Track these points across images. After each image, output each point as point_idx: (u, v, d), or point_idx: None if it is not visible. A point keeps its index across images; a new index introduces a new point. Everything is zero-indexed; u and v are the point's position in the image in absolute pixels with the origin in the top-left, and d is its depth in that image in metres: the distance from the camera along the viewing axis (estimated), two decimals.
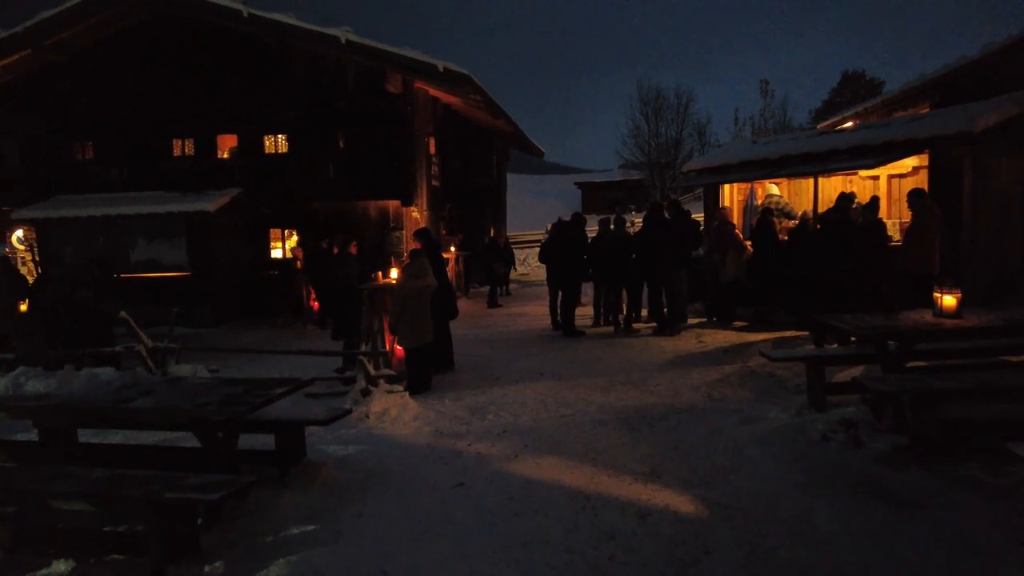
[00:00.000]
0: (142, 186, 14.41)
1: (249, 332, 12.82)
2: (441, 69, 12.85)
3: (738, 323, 9.72)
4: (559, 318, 9.97)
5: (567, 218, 10.29)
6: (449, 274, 16.01)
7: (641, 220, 10.50)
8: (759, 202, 11.97)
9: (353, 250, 7.93)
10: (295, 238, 15.13)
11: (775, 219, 9.75)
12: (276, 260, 15.29)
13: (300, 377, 6.33)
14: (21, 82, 14.89)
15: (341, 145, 14.22)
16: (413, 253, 7.02)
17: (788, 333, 8.81)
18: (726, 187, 11.17)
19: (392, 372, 6.11)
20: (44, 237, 14.27)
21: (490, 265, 15.29)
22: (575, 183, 45.78)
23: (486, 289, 17.14)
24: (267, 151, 15.06)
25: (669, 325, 9.13)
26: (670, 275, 9.02)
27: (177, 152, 15.33)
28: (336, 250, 8.44)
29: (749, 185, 11.88)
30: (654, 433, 5.08)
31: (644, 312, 10.38)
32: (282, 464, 4.29)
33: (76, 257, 8.63)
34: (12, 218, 14.42)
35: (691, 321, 9.87)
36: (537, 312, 12.72)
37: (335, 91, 14.14)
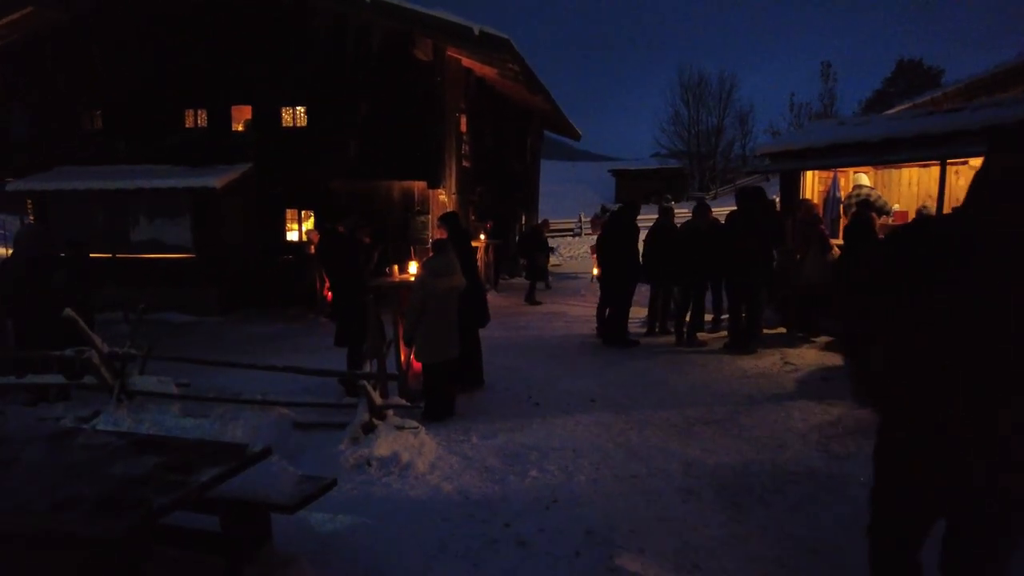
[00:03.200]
0: (152, 159, 13.19)
1: (257, 322, 11.55)
2: (477, 32, 11.32)
3: (822, 338, 8.09)
4: (605, 324, 8.47)
5: (613, 207, 8.73)
6: (480, 266, 14.72)
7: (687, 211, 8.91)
8: (842, 194, 10.27)
9: (366, 238, 6.48)
10: (312, 220, 13.80)
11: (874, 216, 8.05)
12: (291, 243, 13.97)
13: (280, 403, 4.98)
14: (27, 45, 13.74)
15: (363, 119, 12.78)
16: (437, 244, 5.55)
17: None
18: (808, 175, 9.49)
19: (403, 402, 4.67)
20: (42, 211, 13.15)
21: (531, 256, 13.73)
22: (609, 170, 43.96)
23: (516, 282, 15.66)
24: (284, 124, 13.70)
25: (746, 340, 7.53)
26: (755, 277, 7.40)
27: (189, 124, 14.05)
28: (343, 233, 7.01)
29: (831, 174, 10.17)
30: (771, 516, 3.56)
31: (708, 317, 8.81)
32: (233, 556, 2.88)
33: (35, 234, 7.20)
34: (7, 190, 13.33)
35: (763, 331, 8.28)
36: (577, 312, 11.21)
37: (358, 59, 12.72)
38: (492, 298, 13.50)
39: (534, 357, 7.70)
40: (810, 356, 7.31)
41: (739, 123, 43.74)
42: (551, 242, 23.20)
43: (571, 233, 30.95)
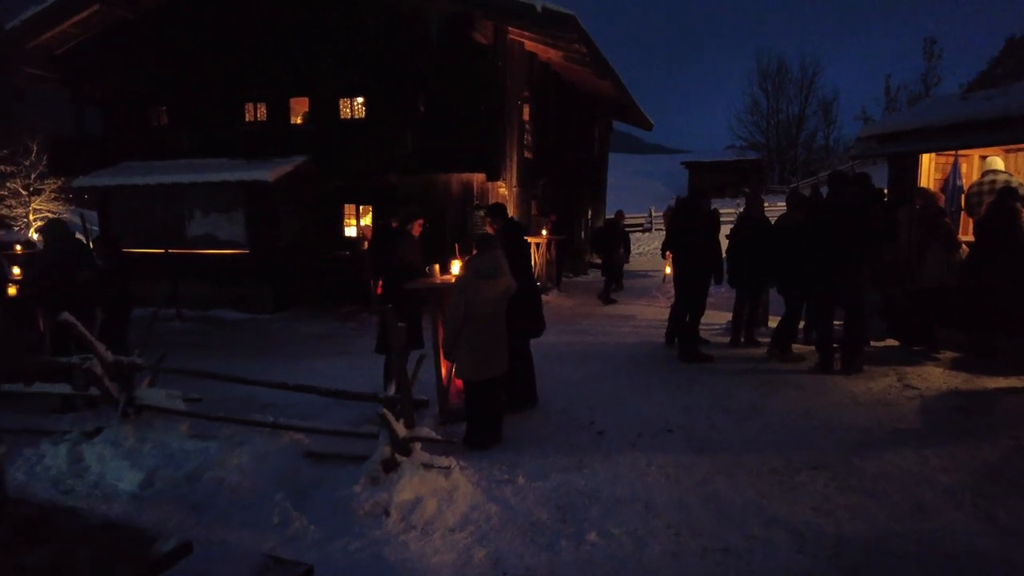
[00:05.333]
0: (214, 153, 12.99)
1: (309, 321, 11.07)
2: (539, 9, 10.40)
3: (947, 353, 6.75)
4: (676, 335, 7.40)
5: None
6: (537, 263, 13.79)
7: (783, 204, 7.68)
8: (964, 181, 8.76)
9: (416, 230, 5.68)
10: (371, 215, 13.27)
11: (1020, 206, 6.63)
12: (349, 239, 13.47)
13: (293, 427, 4.17)
14: (96, 42, 13.80)
15: (421, 109, 12.09)
16: (482, 240, 4.66)
17: None
18: (924, 161, 8.06)
19: (433, 435, 3.81)
20: (105, 207, 13.15)
21: (609, 252, 12.69)
22: (682, 163, 42.06)
23: (582, 280, 14.66)
24: (342, 116, 13.22)
25: (852, 358, 6.29)
26: (857, 282, 6.16)
27: (249, 117, 13.79)
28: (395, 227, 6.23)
29: (951, 159, 8.67)
30: None
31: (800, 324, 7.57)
32: None
33: (57, 227, 6.78)
34: (73, 186, 13.44)
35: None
36: (647, 315, 10.14)
37: (416, 45, 12.03)
38: (554, 298, 12.62)
39: (598, 369, 6.74)
40: (934, 377, 6.01)
41: (822, 112, 40.94)
42: None
43: (641, 228, 29.60)
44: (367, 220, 13.26)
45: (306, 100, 13.37)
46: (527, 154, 13.74)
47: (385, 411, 3.58)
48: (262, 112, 13.65)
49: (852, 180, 6.58)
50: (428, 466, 3.69)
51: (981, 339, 6.56)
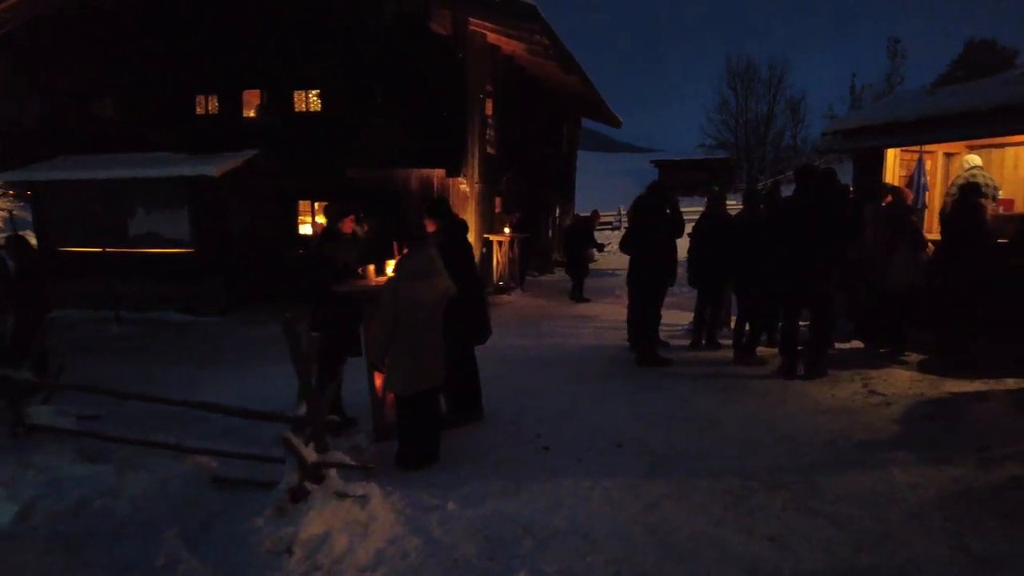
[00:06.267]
0: (163, 147, 12.30)
1: (260, 324, 10.49)
2: None
3: (913, 355, 6.52)
4: (634, 337, 7.07)
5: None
6: (499, 262, 13.40)
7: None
8: (928, 179, 8.57)
9: (347, 228, 5.21)
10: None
11: (984, 202, 6.41)
12: (304, 237, 12.91)
13: (198, 450, 3.68)
14: (35, 30, 13.00)
15: (379, 102, 11.60)
16: (412, 238, 4.24)
17: (1011, 381, 5.58)
18: (889, 158, 7.84)
19: (346, 460, 3.38)
20: (39, 204, 12.41)
21: (579, 251, 12.35)
22: (652, 161, 42.06)
23: (547, 279, 14.33)
24: (296, 109, 12.65)
25: (817, 361, 6.00)
26: (825, 282, 5.88)
27: (200, 110, 13.13)
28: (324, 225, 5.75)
29: (916, 157, 8.49)
30: None
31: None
32: None
33: None
34: (1, 179, 12.66)
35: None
36: (609, 315, 9.81)
37: (373, 36, 11.55)
38: (516, 298, 12.23)
39: (553, 375, 6.35)
40: (900, 381, 5.75)
41: (790, 111, 41.27)
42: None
43: (610, 226, 29.41)
44: (323, 217, 12.74)
45: (259, 92, 12.78)
46: (490, 150, 13.33)
47: (289, 435, 3.13)
48: (213, 105, 13.02)
49: (820, 175, 6.29)
50: (342, 495, 3.26)
51: (948, 340, 6.32)
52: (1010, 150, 8.45)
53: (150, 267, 11.55)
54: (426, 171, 11.92)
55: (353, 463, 3.35)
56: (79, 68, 12.88)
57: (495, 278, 12.80)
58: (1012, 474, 3.84)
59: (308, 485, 3.21)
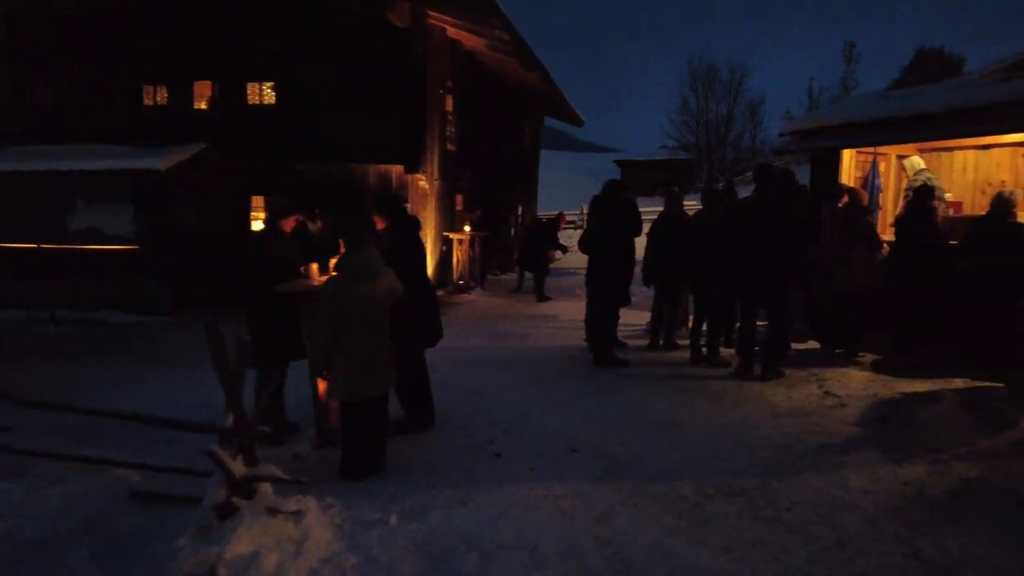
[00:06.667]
0: (109, 139, 11.72)
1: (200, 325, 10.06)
2: None
3: (867, 355, 6.55)
4: (592, 338, 6.96)
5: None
6: (459, 261, 13.19)
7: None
8: (882, 180, 8.69)
9: (289, 226, 4.94)
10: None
11: (936, 204, 6.48)
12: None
13: (116, 462, 3.38)
14: None
15: (336, 96, 11.30)
16: (350, 236, 4.01)
17: (959, 381, 5.64)
18: (845, 159, 7.90)
19: (277, 473, 3.15)
20: None
21: (542, 251, 12.21)
22: (614, 161, 42.23)
23: (508, 278, 14.19)
24: (250, 102, 12.21)
25: (773, 363, 5.97)
26: (783, 282, 5.85)
27: (148, 101, 12.58)
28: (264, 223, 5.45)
29: (870, 158, 8.59)
30: None
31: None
32: None
33: None
34: None
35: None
36: (570, 314, 9.70)
37: (329, 28, 11.26)
38: (476, 298, 12.03)
39: (509, 377, 6.19)
40: (855, 382, 5.76)
41: (749, 113, 42.05)
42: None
43: (573, 225, 29.43)
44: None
45: (211, 84, 12.31)
46: (450, 146, 13.10)
47: (214, 448, 2.89)
48: (163, 96, 12.50)
49: (778, 176, 6.26)
50: (274, 510, 3.04)
51: (901, 341, 6.37)
52: (959, 154, 8.61)
53: (91, 265, 10.99)
54: (384, 167, 11.67)
55: (285, 477, 3.12)
56: (18, 54, 12.23)
57: (455, 277, 12.59)
58: (963, 476, 3.82)
59: (236, 501, 2.98)
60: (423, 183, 11.80)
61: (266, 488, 3.13)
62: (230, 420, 3.09)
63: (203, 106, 12.41)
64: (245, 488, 3.02)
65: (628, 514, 3.36)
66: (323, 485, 3.80)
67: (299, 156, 11.61)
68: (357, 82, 11.19)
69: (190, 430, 3.27)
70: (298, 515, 3.07)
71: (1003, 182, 7.97)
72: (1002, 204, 5.70)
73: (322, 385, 4.43)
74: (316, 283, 4.55)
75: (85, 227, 11.06)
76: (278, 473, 3.11)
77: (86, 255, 10.96)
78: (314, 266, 4.68)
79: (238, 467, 3.00)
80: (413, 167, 11.29)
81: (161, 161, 10.59)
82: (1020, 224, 5.87)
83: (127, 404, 5.26)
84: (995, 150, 8.24)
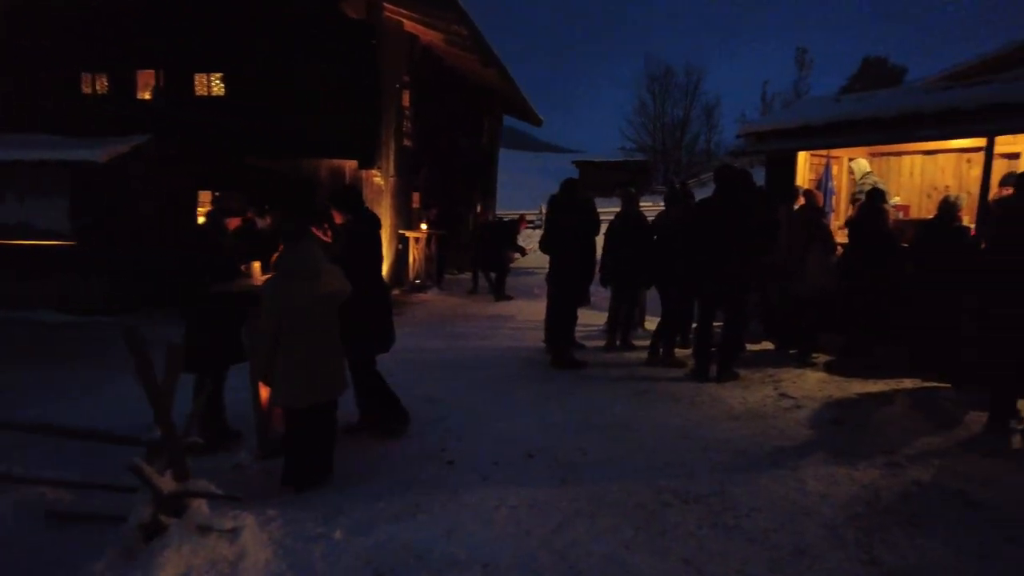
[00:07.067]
0: (42, 128, 11.06)
1: (153, 324, 9.55)
2: None
3: (821, 356, 6.62)
4: (550, 339, 6.86)
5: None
6: (415, 259, 12.94)
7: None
8: (835, 183, 8.85)
9: (232, 222, 4.67)
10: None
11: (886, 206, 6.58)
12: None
13: (29, 479, 3.08)
14: None
15: (288, 88, 10.93)
16: (289, 232, 3.80)
17: (908, 382, 5.73)
18: (800, 162, 7.98)
19: (211, 488, 2.93)
20: None
21: (501, 251, 12.04)
22: (573, 162, 42.44)
23: (465, 278, 14.00)
24: (198, 93, 11.71)
25: (729, 364, 5.97)
26: (741, 284, 5.84)
27: (87, 89, 11.95)
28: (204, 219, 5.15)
29: (824, 161, 8.73)
30: None
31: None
32: None
33: None
34: None
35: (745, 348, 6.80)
36: (528, 314, 9.60)
37: (282, 17, 10.88)
38: (433, 298, 11.81)
39: (465, 380, 6.03)
40: (810, 384, 5.79)
41: (705, 116, 42.83)
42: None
43: (532, 225, 29.39)
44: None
45: (155, 73, 11.76)
46: (407, 142, 12.84)
47: (139, 462, 2.66)
48: (103, 84, 11.88)
49: (737, 177, 6.25)
50: (207, 528, 2.81)
51: (854, 342, 6.45)
52: (906, 158, 8.83)
53: (22, 261, 10.38)
54: (337, 162, 11.35)
55: (219, 492, 2.89)
56: None
57: (411, 276, 12.35)
58: (915, 478, 3.84)
59: (164, 519, 2.75)
60: (378, 179, 11.54)
61: (199, 504, 2.90)
62: (158, 431, 2.85)
63: (147, 96, 11.87)
64: (174, 505, 2.79)
65: (585, 525, 3.25)
66: (264, 497, 3.59)
67: (249, 150, 11.18)
68: (310, 75, 10.84)
69: (113, 442, 3.01)
70: (234, 532, 2.85)
71: (947, 187, 8.19)
72: (948, 208, 5.81)
73: (265, 390, 4.19)
74: (258, 282, 4.30)
75: (15, 222, 10.43)
76: (211, 488, 2.89)
77: (18, 251, 10.34)
78: (256, 265, 4.43)
79: (167, 482, 2.77)
80: (368, 163, 11.01)
81: (100, 152, 10.06)
82: (965, 228, 6.01)
83: (51, 411, 4.94)
84: (940, 156, 8.47)
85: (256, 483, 3.90)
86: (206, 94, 11.68)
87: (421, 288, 12.15)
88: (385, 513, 3.39)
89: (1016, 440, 4.47)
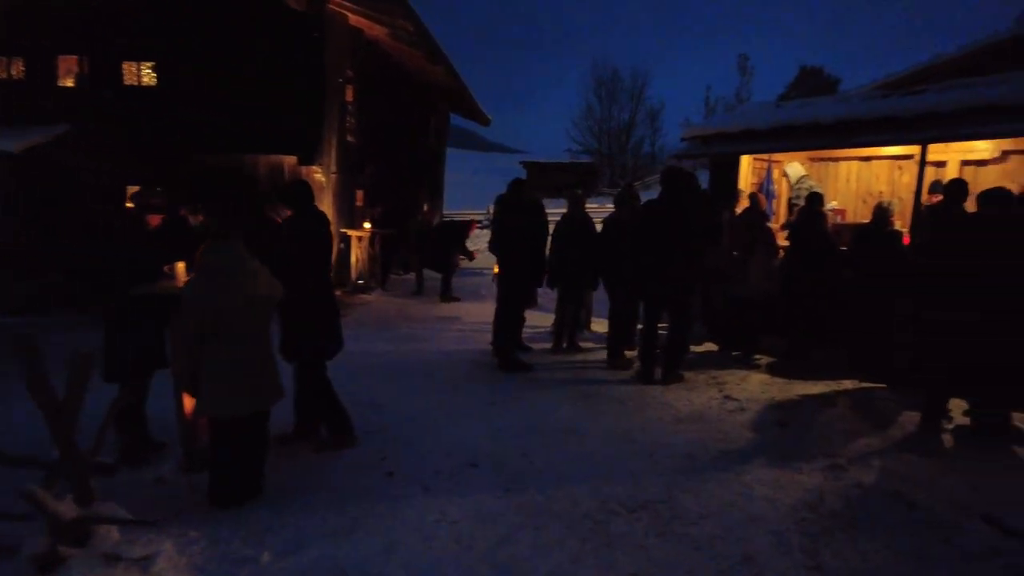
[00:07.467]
0: None
1: (65, 329, 8.97)
2: None
3: (764, 358, 6.72)
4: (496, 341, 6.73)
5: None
6: (359, 259, 12.60)
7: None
8: (776, 187, 9.04)
9: (154, 221, 4.32)
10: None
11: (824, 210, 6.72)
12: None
13: None
14: None
15: (226, 80, 10.46)
16: (214, 228, 3.55)
17: (847, 383, 5.85)
18: (743, 166, 8.10)
19: (120, 512, 2.67)
20: None
21: (448, 255, 11.80)
22: (521, 162, 42.50)
23: (411, 277, 13.72)
24: (127, 83, 11.10)
25: (675, 366, 5.97)
26: (686, 286, 5.85)
27: (2, 74, 11.16)
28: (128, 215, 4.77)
29: (765, 165, 8.91)
30: None
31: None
32: None
33: None
34: None
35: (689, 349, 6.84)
36: (474, 315, 9.45)
37: (218, 5, 10.41)
38: (377, 299, 11.50)
39: (408, 385, 5.82)
40: (753, 386, 5.84)
41: (650, 120, 43.61)
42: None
43: (480, 225, 29.24)
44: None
45: (78, 60, 11.07)
46: (350, 138, 12.48)
47: (31, 489, 2.38)
48: (18, 70, 11.13)
49: (684, 179, 6.26)
50: (115, 557, 2.55)
51: (796, 344, 6.56)
52: (843, 164, 9.08)
53: None
54: (277, 158, 10.93)
55: (128, 517, 2.64)
56: None
57: (354, 276, 12.01)
58: (857, 480, 3.87)
59: (63, 550, 2.47)
60: (319, 176, 11.16)
61: (108, 530, 2.64)
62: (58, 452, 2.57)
63: (70, 83, 11.17)
64: (76, 533, 2.52)
65: (530, 538, 3.12)
66: (187, 516, 3.32)
67: (182, 143, 10.66)
68: (250, 67, 10.41)
69: (7, 464, 2.70)
70: (147, 560, 2.60)
71: (881, 192, 8.45)
72: (882, 214, 5.97)
73: (189, 399, 3.91)
74: (182, 284, 4.01)
75: None
76: (118, 512, 2.63)
77: None
78: (180, 265, 4.13)
79: (67, 508, 2.50)
80: (309, 159, 10.65)
81: (14, 143, 9.39)
82: (898, 232, 6.19)
83: None
84: (875, 162, 8.74)
85: (180, 499, 3.62)
86: (136, 83, 11.08)
87: (364, 289, 11.83)
88: (319, 530, 3.18)
89: (947, 439, 4.60)
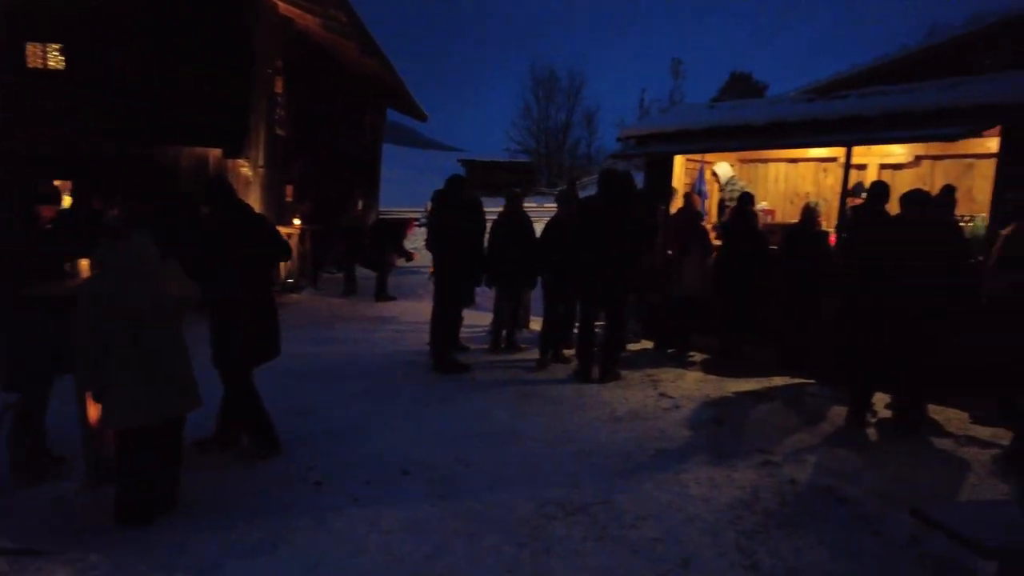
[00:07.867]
0: None
1: None
2: None
3: (697, 355, 6.81)
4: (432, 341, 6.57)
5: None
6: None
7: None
8: (708, 187, 9.21)
9: (47, 213, 3.92)
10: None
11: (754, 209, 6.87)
12: None
13: None
14: None
15: (142, 67, 9.85)
16: (118, 224, 3.28)
17: (778, 379, 5.99)
18: (677, 166, 8.20)
19: (9, 544, 2.38)
20: None
21: (384, 254, 11.48)
22: (459, 160, 42.32)
23: (341, 277, 13.35)
24: (31, 65, 10.30)
25: (611, 365, 5.96)
26: (622, 285, 5.85)
27: None
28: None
29: (698, 166, 9.06)
30: None
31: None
32: None
33: None
34: None
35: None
36: (410, 315, 9.24)
37: None
38: (308, 298, 11.10)
39: (340, 389, 5.58)
40: (688, 383, 5.90)
41: (586, 121, 44.26)
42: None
43: (416, 223, 28.84)
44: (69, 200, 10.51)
45: None
46: (279, 131, 12.00)
47: None
48: None
49: (620, 178, 6.25)
50: None
51: (728, 342, 6.67)
52: (772, 165, 9.34)
53: None
54: (200, 149, 10.39)
55: (11, 547, 2.35)
56: None
57: (283, 275, 11.55)
58: (790, 476, 3.93)
59: None
60: (246, 170, 10.67)
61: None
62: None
63: None
64: None
65: (464, 547, 2.99)
66: (88, 538, 3.03)
67: (95, 133, 9.98)
68: (170, 54, 9.85)
69: None
70: None
71: (807, 193, 8.74)
72: (810, 214, 6.15)
73: (93, 407, 3.58)
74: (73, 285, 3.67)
75: None
76: (2, 542, 2.34)
77: None
78: (84, 263, 3.79)
79: None
80: (234, 151, 10.18)
81: None
82: (824, 233, 6.39)
83: None
84: (801, 164, 9.03)
85: (83, 518, 3.31)
86: (41, 67, 10.30)
87: (294, 288, 11.40)
88: (238, 548, 2.96)
89: (872, 433, 4.75)
